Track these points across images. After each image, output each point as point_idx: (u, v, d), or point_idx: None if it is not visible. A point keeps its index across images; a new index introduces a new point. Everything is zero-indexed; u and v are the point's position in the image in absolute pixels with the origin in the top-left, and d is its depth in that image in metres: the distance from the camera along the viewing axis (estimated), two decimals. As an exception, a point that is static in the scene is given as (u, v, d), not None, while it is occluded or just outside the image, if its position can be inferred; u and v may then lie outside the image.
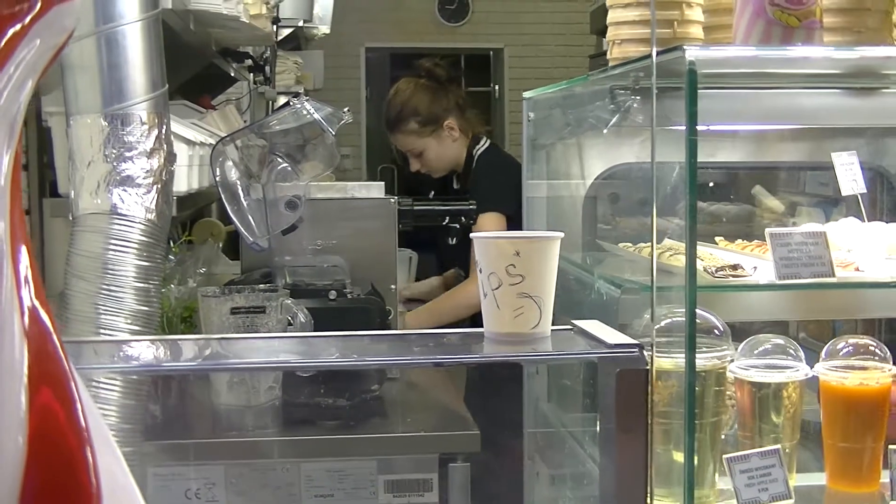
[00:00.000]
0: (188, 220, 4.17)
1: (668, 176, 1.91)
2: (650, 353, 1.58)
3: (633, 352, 1.58)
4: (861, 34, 2.04)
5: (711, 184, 2.57)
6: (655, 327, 1.71)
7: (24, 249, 0.58)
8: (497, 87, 12.25)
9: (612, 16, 2.16)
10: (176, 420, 2.63)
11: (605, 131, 2.19)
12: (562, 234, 1.70)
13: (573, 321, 1.76)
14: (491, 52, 11.95)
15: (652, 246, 1.75)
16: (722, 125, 2.33)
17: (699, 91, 1.71)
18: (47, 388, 0.54)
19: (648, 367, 1.51)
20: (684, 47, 1.75)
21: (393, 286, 2.94)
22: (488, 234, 1.82)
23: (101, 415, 0.63)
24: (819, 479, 2.22)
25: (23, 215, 0.59)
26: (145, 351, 2.06)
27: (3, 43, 0.56)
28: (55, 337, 0.58)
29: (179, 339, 2.40)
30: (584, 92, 2.43)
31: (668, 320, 1.84)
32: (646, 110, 1.78)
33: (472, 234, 1.80)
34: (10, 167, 0.57)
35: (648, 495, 1.50)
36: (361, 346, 1.98)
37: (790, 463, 2.08)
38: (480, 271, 1.71)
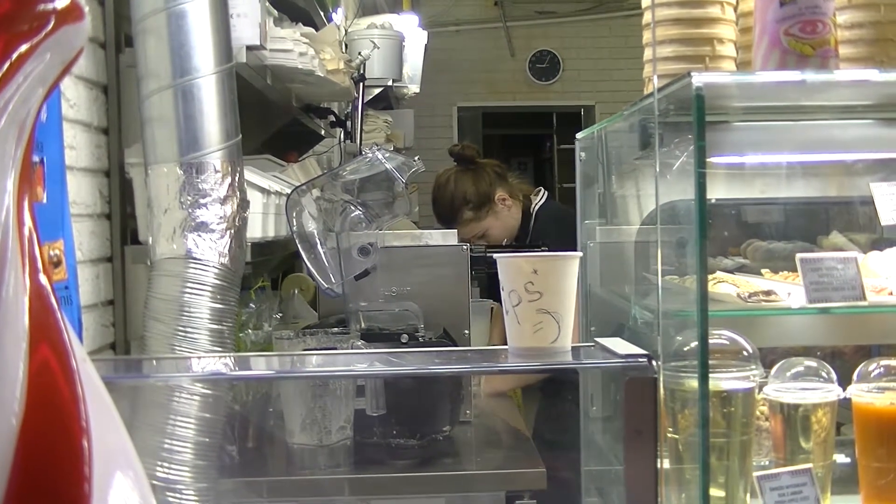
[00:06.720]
0: (280, 275, 4.26)
1: (713, 212, 1.92)
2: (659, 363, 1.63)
3: (642, 361, 1.63)
4: (883, 65, 2.06)
5: (777, 221, 2.56)
6: (684, 349, 1.75)
7: (32, 236, 0.65)
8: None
9: (646, 54, 2.19)
10: (251, 458, 2.70)
11: (655, 168, 2.23)
12: (579, 254, 1.75)
13: (596, 339, 1.81)
14: (582, 109, 12.00)
15: (658, 275, 1.78)
16: (764, 154, 2.33)
17: (743, 124, 1.72)
18: (47, 347, 0.62)
19: (656, 376, 1.56)
20: (692, 74, 1.74)
21: (466, 331, 2.99)
22: (508, 254, 1.88)
23: (105, 388, 0.70)
24: (856, 501, 2.20)
25: (32, 207, 0.67)
26: (221, 365, 2.17)
27: (14, 56, 0.64)
28: (57, 314, 0.65)
29: (254, 356, 2.53)
30: (624, 129, 2.45)
31: (696, 343, 1.87)
32: (682, 145, 1.80)
33: (494, 255, 1.86)
34: (20, 161, 0.65)
35: (659, 499, 1.53)
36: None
37: (825, 484, 2.08)
38: (503, 290, 1.77)
